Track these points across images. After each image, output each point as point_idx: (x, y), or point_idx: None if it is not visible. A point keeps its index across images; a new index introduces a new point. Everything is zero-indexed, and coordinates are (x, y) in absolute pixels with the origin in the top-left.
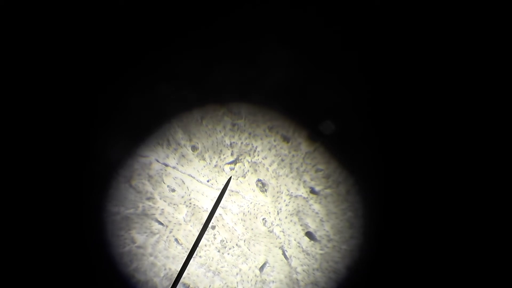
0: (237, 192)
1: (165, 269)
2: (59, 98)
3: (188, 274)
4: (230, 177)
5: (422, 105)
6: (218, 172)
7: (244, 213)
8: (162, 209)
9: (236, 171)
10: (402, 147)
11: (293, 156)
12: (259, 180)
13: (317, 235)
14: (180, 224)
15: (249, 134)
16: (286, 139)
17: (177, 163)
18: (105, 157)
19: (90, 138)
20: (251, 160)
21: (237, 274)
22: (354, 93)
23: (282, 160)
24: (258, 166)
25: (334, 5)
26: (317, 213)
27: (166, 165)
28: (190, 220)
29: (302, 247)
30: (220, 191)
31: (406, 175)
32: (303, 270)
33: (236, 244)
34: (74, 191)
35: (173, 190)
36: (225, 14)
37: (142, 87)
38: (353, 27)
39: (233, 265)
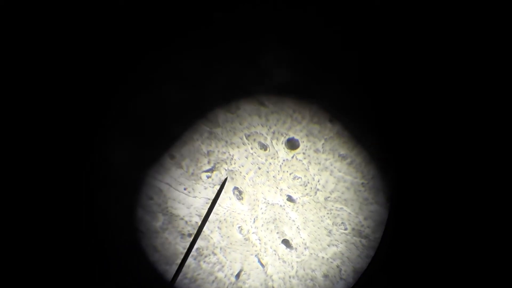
0: None
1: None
2: (57, 100)
3: (165, 280)
4: (226, 178)
5: (421, 106)
6: (195, 180)
7: (220, 221)
8: (140, 217)
9: (212, 179)
10: (394, 151)
11: (270, 164)
12: (235, 188)
13: (294, 242)
14: (157, 232)
15: (226, 142)
16: (263, 147)
17: (155, 172)
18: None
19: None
20: (227, 168)
21: (212, 281)
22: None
23: (259, 168)
24: (235, 174)
25: (334, 5)
26: (293, 220)
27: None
28: (167, 228)
29: (278, 255)
30: (217, 191)
31: (391, 181)
32: (279, 278)
33: (212, 252)
34: (76, 192)
35: (151, 198)
36: (225, 14)
37: (141, 88)
38: (353, 27)
39: (209, 273)
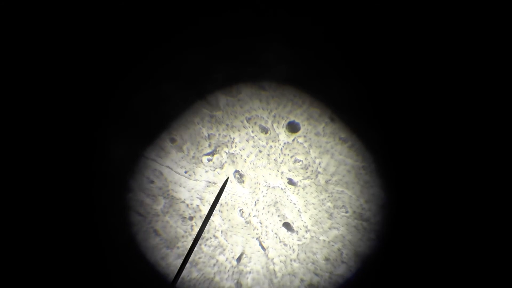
0: (214, 183)
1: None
2: (59, 100)
3: (166, 264)
4: (228, 178)
5: (418, 103)
6: (196, 163)
7: (221, 204)
8: (141, 200)
9: (213, 162)
10: (390, 141)
11: (271, 147)
12: (236, 171)
13: (295, 226)
14: (158, 215)
15: (227, 125)
16: (264, 130)
17: (155, 155)
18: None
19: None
20: (228, 151)
21: (214, 265)
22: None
23: (260, 151)
24: (236, 157)
25: (335, 5)
26: (294, 204)
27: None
28: (168, 212)
29: (279, 238)
30: (218, 191)
31: (391, 167)
32: (280, 261)
33: (213, 235)
34: (79, 190)
35: (152, 182)
36: (226, 14)
37: (143, 86)
38: (353, 27)
39: (210, 256)
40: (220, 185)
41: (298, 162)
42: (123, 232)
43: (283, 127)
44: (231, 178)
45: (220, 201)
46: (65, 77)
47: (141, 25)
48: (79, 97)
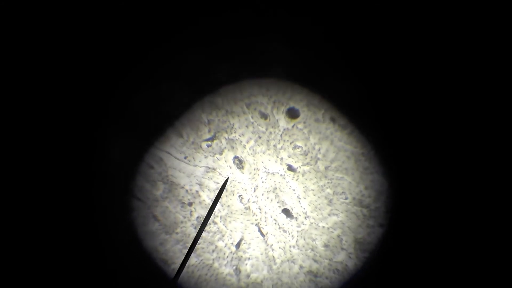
0: (214, 169)
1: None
2: (59, 100)
3: (165, 250)
4: (228, 178)
5: (416, 98)
6: (196, 149)
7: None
8: (141, 185)
9: (213, 148)
10: (386, 128)
11: (270, 133)
12: (236, 157)
13: (294, 212)
14: (158, 200)
15: (226, 111)
16: (263, 116)
17: (155, 140)
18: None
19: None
20: (228, 137)
21: (213, 251)
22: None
23: (259, 137)
24: (235, 143)
25: (334, 6)
26: (294, 190)
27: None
28: (167, 197)
29: (278, 224)
30: (218, 190)
31: (389, 154)
32: (280, 247)
33: (213, 221)
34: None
35: (151, 167)
36: (226, 14)
37: (143, 86)
38: (353, 27)
39: (209, 242)
40: (220, 181)
41: (298, 148)
42: (123, 232)
43: (282, 113)
44: (230, 164)
45: (219, 186)
46: (65, 77)
47: (141, 25)
48: (79, 97)
